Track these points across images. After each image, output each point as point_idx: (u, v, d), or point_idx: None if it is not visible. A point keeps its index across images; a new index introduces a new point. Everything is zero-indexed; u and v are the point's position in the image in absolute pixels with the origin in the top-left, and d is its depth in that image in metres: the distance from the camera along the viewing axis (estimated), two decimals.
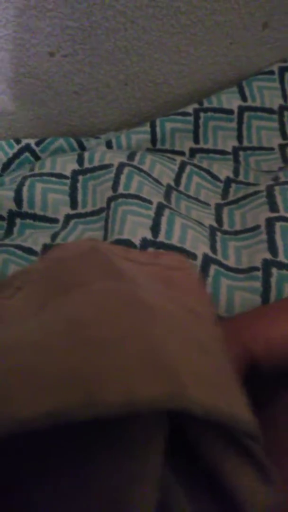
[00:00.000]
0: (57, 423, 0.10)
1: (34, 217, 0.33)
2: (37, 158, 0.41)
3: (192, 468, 0.14)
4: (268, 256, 0.27)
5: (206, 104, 0.42)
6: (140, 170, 0.33)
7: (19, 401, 0.11)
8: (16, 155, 0.41)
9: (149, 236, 0.28)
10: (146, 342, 0.13)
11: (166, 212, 0.29)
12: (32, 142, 0.41)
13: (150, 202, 0.30)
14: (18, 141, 0.41)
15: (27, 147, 0.41)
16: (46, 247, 0.31)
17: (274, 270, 0.26)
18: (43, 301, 0.15)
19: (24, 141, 0.41)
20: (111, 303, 0.14)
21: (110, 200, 0.31)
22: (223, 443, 0.13)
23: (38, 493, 0.12)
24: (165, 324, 0.14)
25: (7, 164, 0.41)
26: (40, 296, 0.16)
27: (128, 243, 0.28)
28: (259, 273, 0.26)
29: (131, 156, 0.34)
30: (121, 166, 0.33)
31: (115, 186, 0.31)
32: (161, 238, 0.28)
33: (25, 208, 0.33)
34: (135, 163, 0.34)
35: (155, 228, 0.28)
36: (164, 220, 0.29)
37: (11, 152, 0.41)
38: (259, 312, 0.21)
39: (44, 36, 0.36)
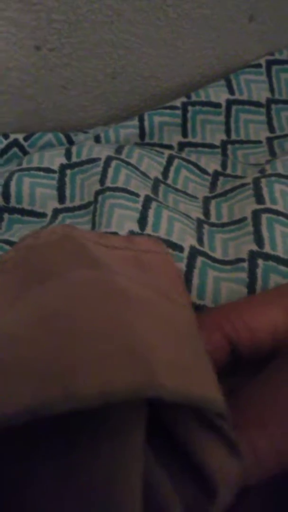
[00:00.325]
0: (35, 417, 0.10)
1: (22, 212, 0.33)
2: (26, 153, 0.41)
3: (171, 449, 0.14)
4: (254, 247, 0.27)
5: (194, 98, 0.42)
6: (128, 163, 0.33)
7: None
8: (4, 151, 0.41)
9: (136, 229, 0.28)
10: (120, 330, 0.13)
11: (153, 205, 0.29)
12: (20, 137, 0.41)
13: (137, 195, 0.30)
14: (6, 136, 0.41)
15: (15, 142, 0.41)
16: None
17: (260, 261, 0.26)
18: (18, 292, 0.15)
19: (12, 136, 0.41)
20: (85, 293, 0.14)
21: (97, 193, 0.31)
22: (195, 424, 0.14)
23: (24, 487, 0.12)
24: (139, 310, 0.14)
25: None
26: (14, 287, 0.16)
27: None
28: (245, 264, 0.26)
29: (119, 150, 0.34)
30: (109, 159, 0.33)
31: (102, 180, 0.32)
32: (148, 230, 0.28)
33: (13, 203, 0.33)
34: (122, 156, 0.34)
35: (142, 221, 0.28)
36: (151, 213, 0.29)
37: None
38: (243, 302, 0.21)
39: (30, 30, 0.36)
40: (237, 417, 0.14)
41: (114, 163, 0.32)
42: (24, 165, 0.35)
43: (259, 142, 0.41)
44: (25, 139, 0.41)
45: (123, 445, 0.12)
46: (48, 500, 0.12)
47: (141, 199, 0.30)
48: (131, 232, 0.28)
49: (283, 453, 0.15)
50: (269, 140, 0.41)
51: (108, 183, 0.31)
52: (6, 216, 0.33)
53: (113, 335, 0.13)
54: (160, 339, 0.13)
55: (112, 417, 0.12)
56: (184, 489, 0.13)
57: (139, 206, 0.29)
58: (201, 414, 0.14)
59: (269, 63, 0.44)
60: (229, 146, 0.41)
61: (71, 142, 0.41)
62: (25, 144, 0.41)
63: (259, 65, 0.44)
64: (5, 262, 0.17)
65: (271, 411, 0.15)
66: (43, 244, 0.17)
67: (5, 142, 0.41)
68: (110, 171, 0.32)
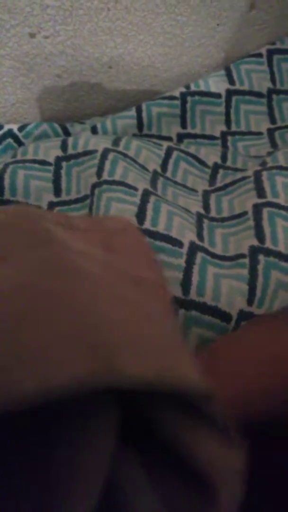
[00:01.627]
0: None
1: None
2: (20, 144, 0.40)
3: (156, 449, 0.13)
4: (255, 242, 0.26)
5: (193, 88, 0.41)
6: (126, 156, 0.32)
7: None
8: None
9: (134, 223, 0.27)
10: (71, 312, 0.12)
11: (152, 199, 0.29)
12: (14, 127, 0.40)
13: (135, 188, 0.29)
14: (0, 127, 0.40)
15: (10, 133, 0.40)
16: None
17: (261, 257, 0.26)
18: None
19: (6, 127, 0.40)
20: (32, 273, 0.13)
21: (94, 186, 0.30)
22: (180, 414, 0.12)
23: None
24: (96, 290, 0.13)
25: None
26: None
27: None
28: (246, 260, 0.26)
29: (116, 142, 0.33)
30: (106, 152, 0.32)
31: (99, 173, 0.31)
32: (147, 225, 0.27)
33: (7, 195, 0.32)
34: (120, 148, 0.33)
35: (140, 215, 0.27)
36: (149, 207, 0.28)
37: None
38: (235, 363, 0.20)
39: (24, 17, 0.34)
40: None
41: (111, 156, 0.32)
42: (19, 157, 0.34)
43: (260, 133, 0.40)
44: (20, 129, 0.40)
45: (79, 448, 0.11)
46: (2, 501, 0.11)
47: (139, 192, 0.29)
48: None
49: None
50: (270, 132, 0.40)
51: (105, 176, 0.30)
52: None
53: (61, 316, 0.11)
54: (119, 318, 0.12)
55: (66, 418, 0.12)
56: (178, 499, 0.12)
57: (137, 200, 0.28)
58: (186, 405, 0.12)
59: (270, 53, 0.43)
60: (229, 138, 0.40)
61: (67, 132, 0.40)
62: (20, 134, 0.40)
63: (260, 55, 0.43)
64: None
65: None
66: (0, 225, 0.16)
67: None
68: (107, 164, 0.31)
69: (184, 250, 0.26)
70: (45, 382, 0.10)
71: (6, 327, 0.11)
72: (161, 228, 0.27)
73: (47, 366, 0.10)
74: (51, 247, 0.15)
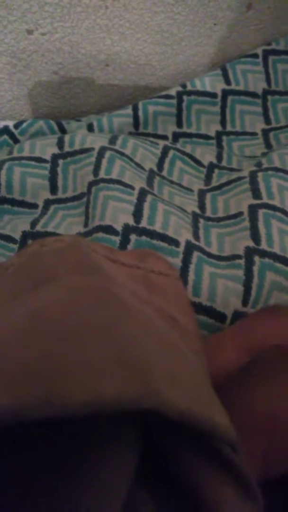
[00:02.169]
0: (10, 423, 0.09)
1: (13, 202, 0.32)
2: (16, 140, 0.40)
3: (164, 484, 0.13)
4: (250, 244, 0.27)
5: (189, 87, 0.41)
6: (122, 154, 0.32)
7: None
8: None
9: (131, 222, 0.27)
10: (116, 338, 0.12)
11: (149, 198, 0.29)
12: (10, 124, 0.40)
13: (132, 187, 0.29)
14: None
15: (5, 130, 0.40)
16: (25, 235, 0.30)
17: (257, 259, 0.26)
18: (12, 296, 0.14)
19: (1, 123, 0.40)
20: (80, 298, 0.13)
21: (91, 185, 0.30)
22: (200, 456, 0.12)
23: None
24: (140, 323, 0.13)
25: None
26: (11, 291, 0.15)
27: (109, 229, 0.27)
28: (242, 261, 0.26)
29: (112, 140, 0.34)
30: (103, 150, 0.32)
31: (96, 171, 0.31)
32: (144, 224, 0.27)
33: (3, 193, 0.32)
34: (117, 147, 0.33)
35: (137, 214, 0.28)
36: (146, 206, 0.28)
37: None
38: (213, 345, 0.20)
39: (22, 13, 0.34)
40: None
41: (108, 154, 0.32)
42: (15, 154, 0.34)
43: (255, 134, 0.41)
44: (16, 126, 0.40)
45: (112, 467, 0.11)
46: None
47: (136, 191, 0.29)
48: (126, 225, 0.27)
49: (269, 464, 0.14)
50: (265, 132, 0.41)
51: (102, 174, 0.30)
52: None
53: (106, 342, 0.12)
54: (161, 353, 0.12)
55: (104, 435, 0.12)
56: None
57: (134, 199, 0.29)
58: (202, 445, 0.12)
59: (266, 53, 0.43)
60: (224, 138, 0.40)
61: (63, 130, 0.40)
62: (16, 131, 0.40)
63: (256, 55, 0.43)
64: (7, 268, 0.17)
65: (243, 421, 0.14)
66: (47, 252, 0.16)
67: None
68: (104, 162, 0.31)
69: (181, 249, 0.26)
70: (94, 394, 0.10)
71: (55, 340, 0.11)
72: (157, 227, 0.27)
73: (98, 380, 0.10)
74: (99, 277, 0.15)
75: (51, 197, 0.33)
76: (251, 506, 0.12)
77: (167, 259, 0.26)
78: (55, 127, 0.40)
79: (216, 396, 0.14)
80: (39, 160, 0.33)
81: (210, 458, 0.12)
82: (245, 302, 0.25)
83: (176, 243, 0.26)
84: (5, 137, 0.40)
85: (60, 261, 0.15)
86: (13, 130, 0.40)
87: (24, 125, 0.40)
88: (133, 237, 0.27)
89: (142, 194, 0.29)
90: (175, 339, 0.14)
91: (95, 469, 0.11)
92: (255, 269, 0.25)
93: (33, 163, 0.33)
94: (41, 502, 0.11)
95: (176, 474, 0.12)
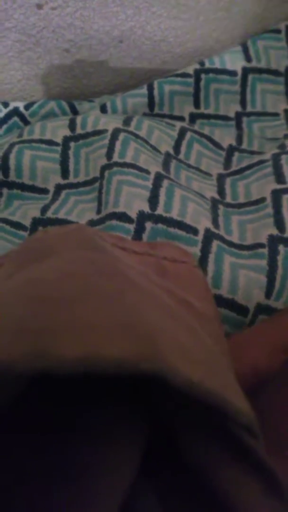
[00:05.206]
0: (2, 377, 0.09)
1: (22, 186, 0.31)
2: (27, 122, 0.38)
3: (172, 472, 0.12)
4: (274, 232, 0.25)
5: (207, 65, 0.39)
6: (137, 136, 0.31)
7: None
8: (4, 120, 0.38)
9: (146, 208, 0.26)
10: (121, 305, 0.11)
11: (165, 183, 0.27)
12: (20, 105, 0.38)
13: (147, 172, 0.28)
14: (5, 105, 0.38)
15: (16, 111, 0.38)
16: (35, 221, 0.29)
17: (281, 248, 0.24)
18: (15, 270, 0.14)
19: (12, 104, 0.38)
20: (81, 267, 0.12)
21: (104, 168, 0.29)
22: (216, 445, 0.11)
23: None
24: (148, 297, 0.12)
25: None
26: (13, 267, 0.14)
27: (124, 216, 0.26)
28: (265, 251, 0.24)
29: (127, 121, 0.32)
30: (116, 132, 0.30)
31: (109, 154, 0.29)
32: (160, 211, 0.26)
33: (12, 177, 0.31)
34: (131, 128, 0.31)
35: (153, 200, 0.26)
36: (162, 192, 0.26)
37: None
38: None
39: None
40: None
41: (122, 136, 0.30)
42: (25, 137, 0.33)
43: (277, 114, 0.38)
44: (26, 107, 0.38)
45: (117, 448, 0.10)
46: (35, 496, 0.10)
47: (152, 176, 0.27)
48: (141, 212, 0.26)
49: None
50: (287, 113, 0.39)
51: (116, 158, 0.29)
52: (5, 191, 0.31)
53: (109, 307, 0.11)
54: (168, 326, 0.11)
55: (112, 419, 0.11)
56: None
57: (149, 184, 0.27)
58: (219, 431, 0.11)
59: None
60: (244, 119, 0.38)
61: (75, 111, 0.39)
62: (26, 113, 0.38)
63: (279, 31, 0.41)
64: (11, 252, 0.16)
65: None
66: (50, 234, 0.15)
67: (4, 110, 0.38)
68: (118, 145, 0.29)
69: (199, 237, 0.25)
70: (91, 351, 0.09)
71: (53, 302, 0.11)
72: (174, 214, 0.25)
73: (96, 338, 0.10)
74: (104, 254, 0.14)
75: (62, 181, 0.31)
76: (278, 504, 0.11)
77: (186, 248, 0.25)
78: (67, 108, 0.38)
79: (237, 384, 0.12)
80: (50, 143, 0.32)
81: (228, 450, 0.11)
82: (268, 294, 0.23)
83: (194, 231, 0.25)
84: (16, 119, 0.38)
85: (63, 241, 0.15)
86: (23, 111, 0.38)
87: (35, 106, 0.38)
88: (148, 224, 0.25)
89: (158, 179, 0.27)
90: (189, 319, 0.13)
91: (101, 455, 0.10)
92: (279, 258, 0.24)
93: (43, 146, 0.32)
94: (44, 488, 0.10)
95: (185, 465, 0.11)
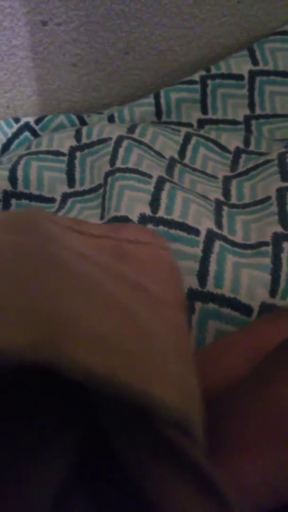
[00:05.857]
0: None
1: (30, 197, 0.32)
2: (37, 136, 0.39)
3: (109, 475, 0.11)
4: (279, 229, 0.24)
5: (213, 71, 0.39)
6: (140, 142, 0.31)
7: None
8: (16, 135, 0.39)
9: (147, 211, 0.26)
10: (28, 290, 0.10)
11: (167, 186, 0.27)
12: (31, 120, 0.39)
13: (149, 176, 0.28)
14: (17, 120, 0.40)
15: (27, 126, 0.39)
16: None
17: (286, 245, 0.24)
18: None
19: (23, 120, 0.39)
20: None
21: (107, 175, 0.29)
22: (148, 442, 0.10)
23: None
24: (72, 282, 0.11)
25: (7, 145, 0.39)
26: None
27: (125, 220, 0.26)
28: (269, 248, 0.24)
29: (131, 129, 0.32)
30: (120, 139, 0.31)
31: (112, 160, 0.29)
32: (161, 213, 0.25)
33: (20, 188, 0.31)
34: (135, 135, 0.31)
35: (154, 203, 0.26)
36: (164, 195, 0.26)
37: (10, 132, 0.39)
38: (202, 353, 0.18)
39: (35, 3, 0.33)
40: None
41: (125, 143, 0.30)
42: (33, 149, 0.33)
43: (287, 115, 0.38)
44: (37, 122, 0.39)
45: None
46: None
47: (154, 180, 0.27)
48: (142, 216, 0.26)
49: (279, 487, 0.11)
50: None
51: (119, 164, 0.29)
52: (13, 201, 0.32)
53: (11, 292, 0.10)
54: (87, 313, 0.10)
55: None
56: None
57: (151, 187, 0.27)
58: (153, 433, 0.10)
59: None
60: (253, 122, 0.38)
61: (84, 123, 0.39)
62: (37, 127, 0.39)
63: (285, 32, 0.40)
64: None
65: (257, 426, 0.12)
66: None
67: (16, 126, 0.39)
68: (121, 151, 0.30)
69: (201, 238, 0.24)
70: None
71: None
72: (176, 216, 0.25)
73: None
74: (33, 236, 0.13)
75: (68, 190, 0.31)
76: (214, 506, 0.10)
77: (187, 249, 0.24)
78: (76, 121, 0.39)
79: (189, 378, 0.12)
80: (57, 153, 0.33)
81: (165, 454, 0.10)
82: (273, 292, 0.23)
83: (196, 232, 0.25)
84: (27, 133, 0.39)
85: None
86: (34, 126, 0.39)
87: (45, 120, 0.39)
88: (150, 227, 0.25)
89: (160, 182, 0.27)
90: (132, 305, 0.12)
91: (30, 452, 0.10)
92: (284, 256, 0.23)
93: (50, 156, 0.32)
94: None
95: (121, 468, 0.11)
